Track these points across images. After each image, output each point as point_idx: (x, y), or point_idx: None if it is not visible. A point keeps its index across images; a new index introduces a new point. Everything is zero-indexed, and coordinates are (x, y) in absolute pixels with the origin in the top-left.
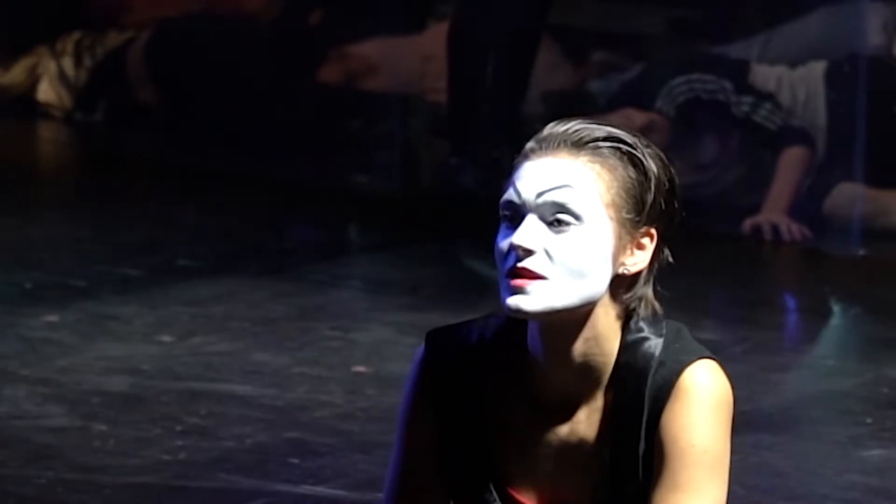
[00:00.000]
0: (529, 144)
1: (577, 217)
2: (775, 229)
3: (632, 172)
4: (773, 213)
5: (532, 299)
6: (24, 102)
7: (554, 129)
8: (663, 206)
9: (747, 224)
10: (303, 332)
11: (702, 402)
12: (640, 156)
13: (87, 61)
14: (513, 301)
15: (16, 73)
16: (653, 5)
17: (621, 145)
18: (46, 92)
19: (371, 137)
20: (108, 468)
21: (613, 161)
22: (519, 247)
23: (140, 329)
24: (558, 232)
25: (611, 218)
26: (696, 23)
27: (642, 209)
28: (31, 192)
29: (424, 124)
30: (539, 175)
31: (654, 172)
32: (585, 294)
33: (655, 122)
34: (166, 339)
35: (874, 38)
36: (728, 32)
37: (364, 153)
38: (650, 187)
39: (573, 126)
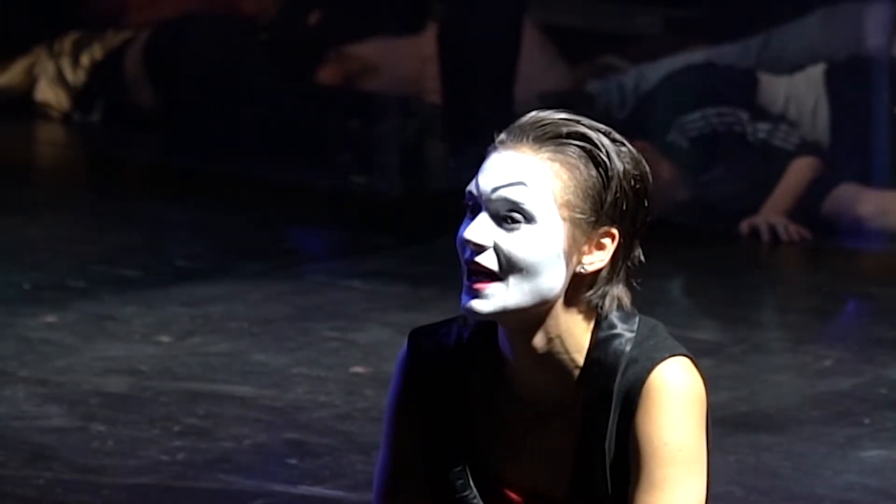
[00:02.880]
0: (500, 135)
1: (527, 216)
2: (773, 230)
3: (592, 171)
4: (772, 214)
5: (485, 302)
6: (21, 103)
7: (525, 120)
8: (626, 206)
9: (744, 225)
10: (301, 332)
11: (673, 400)
12: (603, 155)
13: (85, 62)
14: (467, 304)
15: (14, 74)
16: (651, 5)
17: (585, 143)
18: (44, 92)
19: (370, 138)
20: (107, 469)
21: (574, 160)
22: (470, 241)
23: (139, 329)
24: (509, 230)
25: (564, 218)
26: (695, 23)
27: (601, 209)
28: (29, 193)
29: (423, 125)
30: (498, 169)
31: (618, 172)
32: (538, 293)
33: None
34: (165, 339)
35: (875, 38)
36: (727, 33)
37: (363, 154)
38: (611, 187)
39: (543, 120)
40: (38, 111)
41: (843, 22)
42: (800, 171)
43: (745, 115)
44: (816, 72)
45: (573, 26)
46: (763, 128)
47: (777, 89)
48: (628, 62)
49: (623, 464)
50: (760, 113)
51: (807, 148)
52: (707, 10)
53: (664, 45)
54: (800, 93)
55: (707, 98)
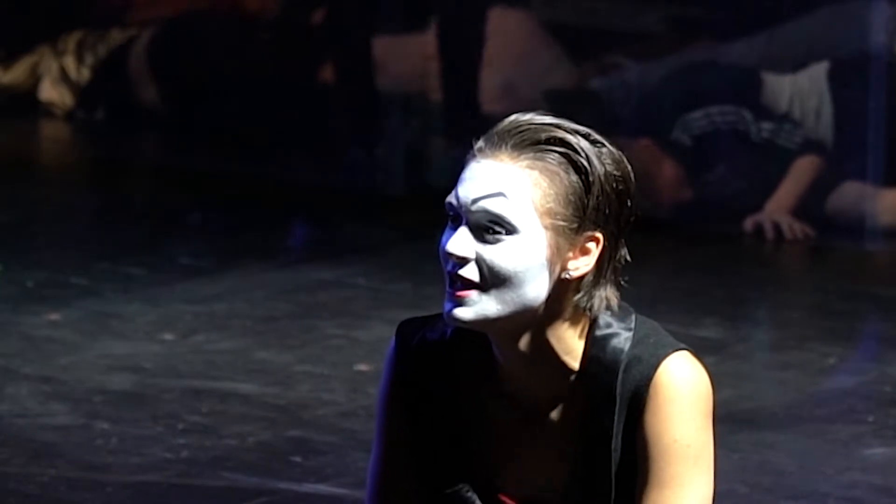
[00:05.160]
0: (478, 143)
1: (509, 228)
2: (777, 228)
3: (573, 177)
4: (776, 212)
5: (467, 310)
6: (26, 101)
7: (502, 126)
8: (609, 209)
9: (749, 222)
10: (305, 330)
11: (682, 396)
12: (583, 159)
13: (89, 60)
14: (449, 311)
15: (18, 72)
16: (655, 3)
17: (564, 148)
18: (48, 91)
19: (372, 136)
20: (111, 466)
21: (554, 166)
22: (452, 254)
23: (142, 327)
24: (491, 241)
25: (546, 227)
26: (699, 21)
27: (583, 214)
28: (33, 191)
29: (426, 123)
30: (477, 180)
31: (599, 175)
32: (520, 302)
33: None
34: (168, 337)
35: (877, 36)
36: (730, 31)
37: (366, 152)
38: (593, 192)
39: (521, 126)
40: (42, 110)
41: (847, 20)
42: (803, 169)
43: (748, 114)
44: (820, 70)
45: (578, 24)
46: (767, 127)
47: (781, 88)
48: (633, 60)
49: (629, 463)
50: (764, 112)
51: (810, 147)
52: (711, 8)
53: (668, 43)
54: (803, 91)
55: (711, 96)
